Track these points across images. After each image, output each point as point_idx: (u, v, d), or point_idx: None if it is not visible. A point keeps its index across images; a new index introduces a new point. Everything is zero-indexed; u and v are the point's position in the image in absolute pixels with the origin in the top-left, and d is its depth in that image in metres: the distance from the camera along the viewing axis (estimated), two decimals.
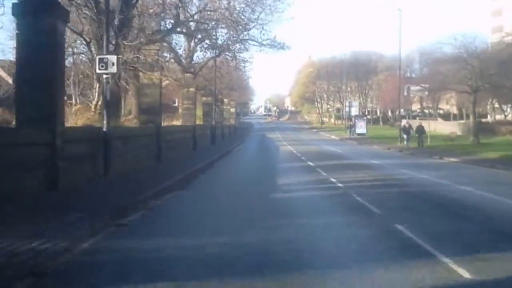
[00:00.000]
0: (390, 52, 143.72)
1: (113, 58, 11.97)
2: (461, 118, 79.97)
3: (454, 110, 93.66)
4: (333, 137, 57.41)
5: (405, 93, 36.63)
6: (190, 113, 27.63)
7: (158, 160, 17.18)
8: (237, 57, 40.84)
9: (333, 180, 14.47)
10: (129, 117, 20.46)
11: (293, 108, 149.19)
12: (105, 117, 11.94)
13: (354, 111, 60.88)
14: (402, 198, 11.42)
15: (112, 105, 13.33)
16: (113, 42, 15.44)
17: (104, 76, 12.03)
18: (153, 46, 17.95)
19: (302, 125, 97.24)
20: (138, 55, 16.39)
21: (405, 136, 29.95)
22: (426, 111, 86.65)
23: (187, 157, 21.24)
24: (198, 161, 19.23)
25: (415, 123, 74.55)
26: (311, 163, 20.21)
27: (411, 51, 73.35)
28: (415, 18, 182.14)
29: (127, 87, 18.49)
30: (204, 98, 37.45)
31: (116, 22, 16.07)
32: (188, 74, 27.81)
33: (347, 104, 62.63)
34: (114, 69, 12.02)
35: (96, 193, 10.55)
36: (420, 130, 29.32)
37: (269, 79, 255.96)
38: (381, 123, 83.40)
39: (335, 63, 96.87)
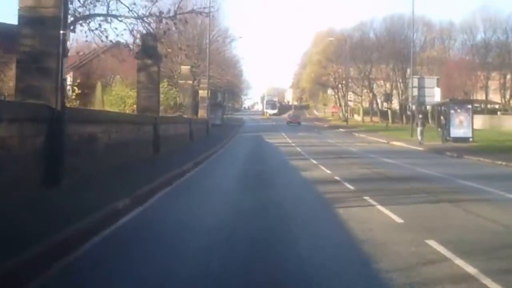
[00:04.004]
0: (441, 18, 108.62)
1: None
2: None
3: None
4: (397, 143, 28.11)
5: None
6: None
7: None
8: None
9: None
10: None
11: (296, 103, 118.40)
12: None
13: (437, 96, 31.28)
14: None
15: None
16: None
17: None
18: None
19: (314, 122, 69.30)
20: None
21: None
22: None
23: None
24: None
25: (496, 120, 45.18)
26: None
27: (471, 15, 44.61)
28: None
29: None
30: None
31: None
32: None
33: (415, 83, 32.68)
34: None
35: None
36: None
37: (266, 73, 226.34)
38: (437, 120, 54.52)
39: (363, 33, 67.69)
